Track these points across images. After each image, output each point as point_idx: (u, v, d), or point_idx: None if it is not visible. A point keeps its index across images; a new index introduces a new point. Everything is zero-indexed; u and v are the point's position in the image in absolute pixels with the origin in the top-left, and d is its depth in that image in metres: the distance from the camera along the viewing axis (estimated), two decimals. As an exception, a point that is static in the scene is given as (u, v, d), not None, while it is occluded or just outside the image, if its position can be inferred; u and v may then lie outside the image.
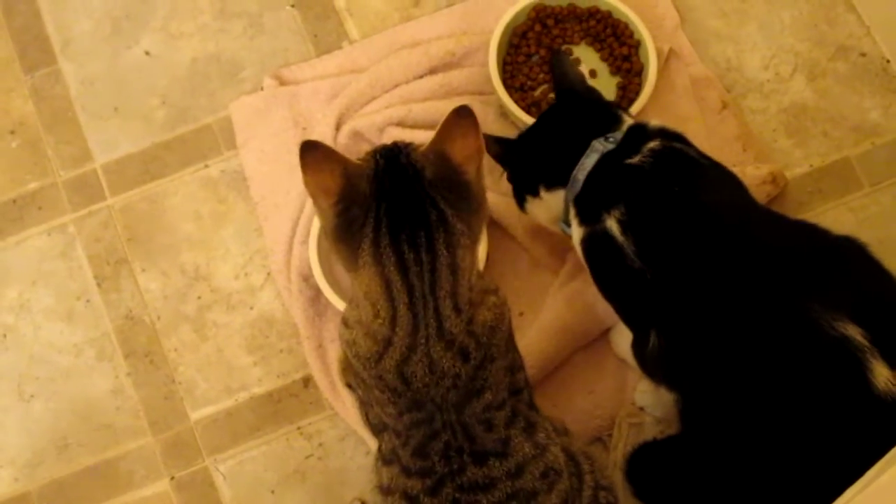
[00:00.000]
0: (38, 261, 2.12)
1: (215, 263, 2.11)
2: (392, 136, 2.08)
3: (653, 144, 1.69)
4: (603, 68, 2.16)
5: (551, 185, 1.79)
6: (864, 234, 1.63)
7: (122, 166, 2.18)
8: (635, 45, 2.13)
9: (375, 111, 2.13)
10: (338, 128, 2.11)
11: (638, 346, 1.74)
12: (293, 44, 2.25)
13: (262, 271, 2.09)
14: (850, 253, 1.62)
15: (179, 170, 2.17)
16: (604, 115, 1.78)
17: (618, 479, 1.83)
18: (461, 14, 2.23)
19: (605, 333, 2.01)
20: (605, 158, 1.71)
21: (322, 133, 2.11)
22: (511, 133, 2.10)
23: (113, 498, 1.99)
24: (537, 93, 2.13)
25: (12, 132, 2.21)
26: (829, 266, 1.59)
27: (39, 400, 2.04)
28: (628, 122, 1.76)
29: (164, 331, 2.07)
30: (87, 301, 2.09)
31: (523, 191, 1.85)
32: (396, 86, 2.16)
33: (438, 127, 1.49)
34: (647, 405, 1.94)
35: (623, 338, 1.94)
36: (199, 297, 2.08)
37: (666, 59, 2.15)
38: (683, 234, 1.63)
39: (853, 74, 2.18)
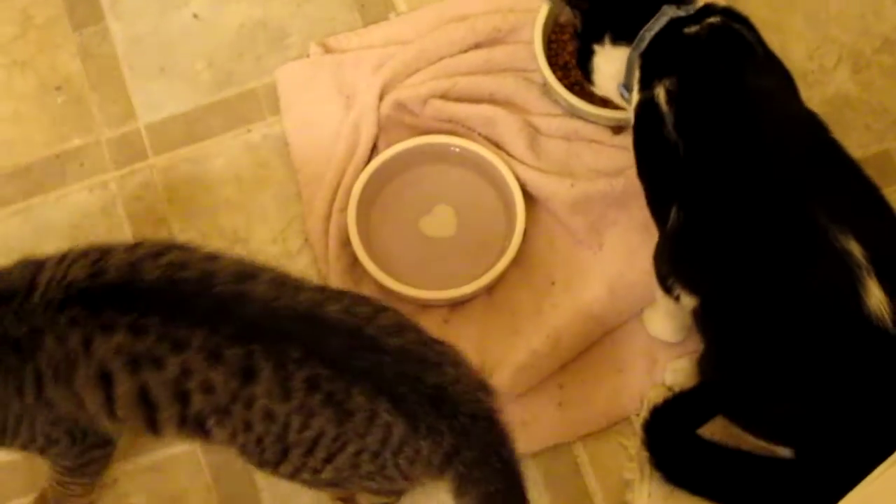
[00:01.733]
0: (79, 217, 2.14)
1: (254, 227, 2.12)
2: (435, 108, 2.10)
3: (713, 20, 1.74)
4: (648, 50, 2.16)
5: (618, 39, 1.82)
6: (900, 226, 1.65)
7: (166, 127, 2.20)
8: (682, 29, 2.14)
9: (420, 83, 2.14)
10: (381, 98, 2.12)
11: (659, 249, 1.79)
12: (340, 13, 2.26)
13: (300, 237, 2.11)
14: (864, 181, 1.68)
15: (222, 133, 2.19)
16: None
17: (643, 456, 1.86)
18: (509, -10, 2.24)
19: (639, 313, 2.02)
20: (672, 24, 1.75)
21: (365, 102, 2.12)
22: (553, 110, 2.12)
23: (142, 455, 1.99)
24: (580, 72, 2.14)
25: (58, 88, 2.23)
26: (844, 184, 1.66)
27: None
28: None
29: (200, 292, 2.08)
30: (126, 259, 2.11)
31: (591, 39, 1.87)
32: (441, 59, 2.17)
33: None
34: (677, 384, 1.95)
35: (657, 315, 1.96)
36: (236, 260, 2.10)
37: (711, 45, 2.16)
38: (720, 114, 1.69)
39: (898, 67, 2.19)
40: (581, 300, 2.00)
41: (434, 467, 1.54)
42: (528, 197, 2.05)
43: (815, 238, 1.57)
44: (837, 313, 1.57)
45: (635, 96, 1.79)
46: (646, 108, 1.75)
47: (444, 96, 2.12)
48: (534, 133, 2.09)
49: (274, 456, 1.56)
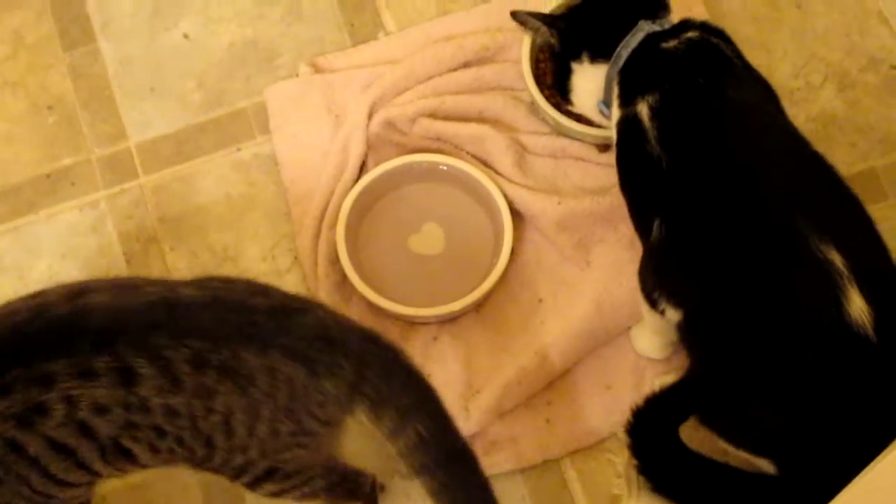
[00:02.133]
0: (69, 235, 2.15)
1: (243, 245, 2.13)
2: (423, 126, 2.11)
3: (691, 34, 1.77)
4: (634, 69, 2.18)
5: (596, 57, 1.85)
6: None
7: (156, 146, 2.21)
8: (668, 48, 2.15)
9: (408, 102, 2.15)
10: (370, 117, 2.14)
11: (644, 264, 1.80)
12: (330, 33, 2.28)
13: (289, 255, 2.12)
14: (845, 192, 1.68)
15: (212, 152, 2.20)
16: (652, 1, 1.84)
17: (631, 472, 1.87)
18: (497, 10, 2.25)
19: (626, 331, 2.03)
20: (649, 40, 1.78)
21: (354, 121, 2.13)
22: (541, 129, 2.13)
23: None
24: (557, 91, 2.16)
25: (50, 108, 2.24)
26: (825, 194, 1.67)
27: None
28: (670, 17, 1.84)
29: (190, 310, 2.09)
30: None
31: (569, 57, 1.90)
32: (430, 78, 2.18)
33: None
34: (664, 400, 1.96)
35: (643, 333, 1.97)
36: (225, 278, 2.11)
37: (698, 64, 2.17)
38: (702, 127, 1.71)
39: (883, 86, 2.20)
40: (569, 317, 2.01)
41: (344, 401, 1.52)
42: (516, 214, 2.07)
43: (797, 248, 1.59)
44: (819, 322, 1.59)
45: (616, 112, 1.81)
46: (628, 124, 1.76)
47: (433, 115, 2.13)
48: (521, 151, 2.10)
49: (204, 452, 1.53)
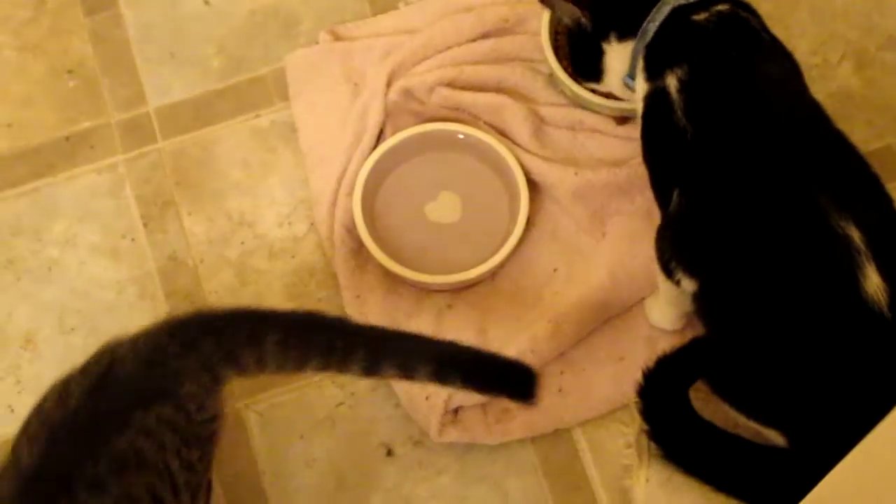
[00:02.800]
0: (87, 198, 2.16)
1: (260, 211, 2.14)
2: (442, 96, 2.11)
3: (721, 7, 1.76)
4: (653, 44, 2.18)
5: (623, 35, 1.85)
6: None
7: (175, 111, 2.22)
8: (687, 23, 2.16)
9: (427, 71, 2.15)
10: (389, 85, 2.14)
11: (662, 232, 1.81)
12: (350, 2, 2.29)
13: (306, 221, 2.13)
14: (865, 170, 1.70)
15: (231, 118, 2.21)
16: None
17: (642, 442, 1.88)
18: (517, -19, 2.26)
19: (640, 302, 2.03)
20: (676, 13, 1.78)
21: (373, 90, 2.14)
22: (559, 100, 2.14)
23: (146, 432, 2.03)
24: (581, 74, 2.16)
25: (70, 72, 2.25)
26: (846, 171, 1.68)
27: (80, 333, 2.08)
28: None
29: (205, 274, 2.11)
30: (133, 240, 2.13)
31: (599, 37, 1.90)
32: (449, 48, 2.18)
33: None
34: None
35: (658, 303, 1.98)
36: (242, 243, 2.12)
37: (716, 39, 2.18)
38: (730, 100, 1.71)
39: (901, 65, 2.21)
40: (583, 288, 2.01)
41: (209, 384, 1.57)
42: (533, 185, 2.07)
43: (817, 222, 1.60)
44: (836, 296, 1.60)
45: (642, 86, 1.81)
46: (656, 97, 1.77)
47: (451, 84, 2.13)
48: (539, 122, 2.11)
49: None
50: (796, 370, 1.65)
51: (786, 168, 1.65)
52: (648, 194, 1.85)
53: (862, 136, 2.15)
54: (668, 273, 1.79)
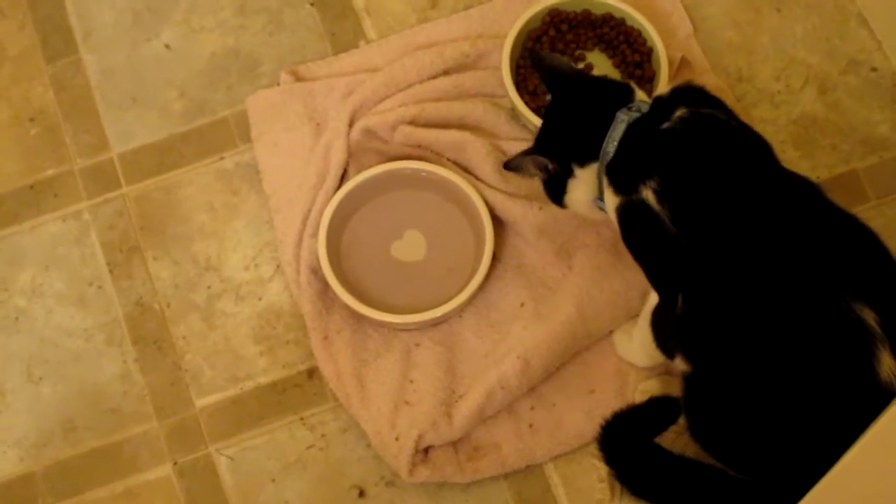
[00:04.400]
0: (52, 246, 2.15)
1: (226, 254, 2.14)
2: (404, 133, 2.11)
3: (681, 112, 1.72)
4: (615, 75, 2.18)
5: (584, 161, 1.81)
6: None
7: (139, 156, 2.21)
8: (647, 53, 2.16)
9: (388, 109, 2.15)
10: (351, 124, 2.14)
11: (659, 315, 1.78)
12: (311, 41, 2.28)
13: (272, 263, 2.12)
14: (869, 239, 1.65)
15: (195, 161, 2.20)
16: (614, 88, 1.83)
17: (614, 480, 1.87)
18: (477, 17, 2.26)
19: (609, 334, 2.03)
20: (634, 127, 1.75)
21: (335, 129, 2.13)
22: (521, 135, 2.14)
23: (116, 481, 2.01)
24: (548, 97, 2.16)
25: (32, 119, 2.24)
26: (849, 246, 1.63)
27: (48, 382, 2.07)
28: (639, 92, 1.82)
29: (173, 318, 2.10)
30: (99, 287, 2.12)
31: (565, 176, 1.86)
32: (410, 85, 2.18)
33: None
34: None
35: (630, 343, 1.97)
36: (208, 287, 2.11)
37: (678, 68, 2.17)
38: (718, 202, 1.66)
39: (863, 88, 2.20)
40: (551, 322, 2.00)
41: None
42: (497, 220, 2.07)
43: (830, 310, 1.55)
44: (850, 382, 1.56)
45: (612, 199, 1.77)
46: (634, 209, 1.72)
47: (413, 122, 2.13)
48: (502, 157, 2.10)
49: None
50: (800, 445, 1.61)
51: (789, 258, 1.60)
52: (614, 226, 1.82)
53: (827, 160, 2.15)
54: (670, 356, 1.77)
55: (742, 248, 1.63)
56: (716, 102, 1.80)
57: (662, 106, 1.76)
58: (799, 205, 1.67)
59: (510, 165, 1.90)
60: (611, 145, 1.76)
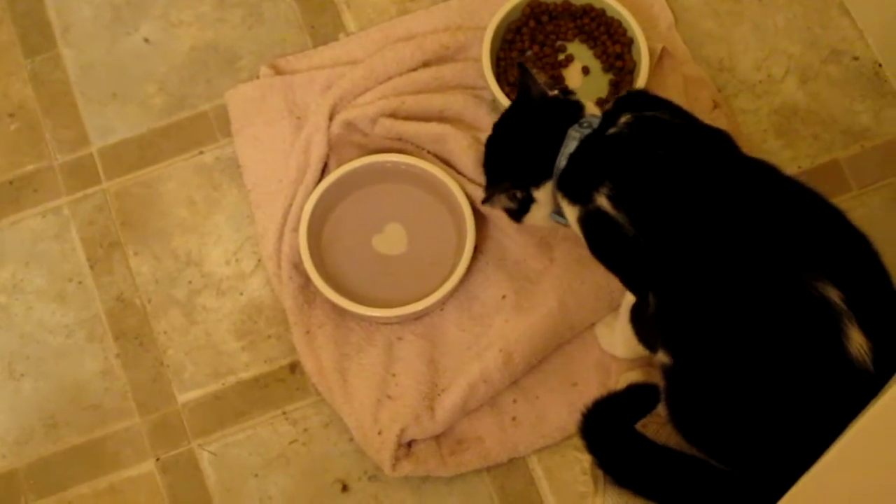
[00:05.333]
0: (32, 242, 2.15)
1: (207, 249, 2.13)
2: (384, 126, 2.10)
3: (625, 118, 1.73)
4: (596, 66, 2.18)
5: (539, 182, 1.82)
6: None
7: (119, 151, 2.20)
8: (628, 44, 2.15)
9: (368, 102, 2.14)
10: (331, 118, 2.13)
11: (637, 312, 1.79)
12: (290, 34, 2.27)
13: (253, 258, 2.11)
14: (830, 213, 1.65)
15: (174, 156, 2.20)
16: (563, 107, 1.83)
17: (598, 472, 1.87)
18: (457, 8, 2.25)
19: (591, 326, 2.03)
20: (587, 141, 1.75)
21: (315, 123, 2.12)
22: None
23: (99, 477, 2.01)
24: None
25: (11, 115, 2.23)
26: (809, 224, 1.63)
27: (29, 379, 2.06)
28: (591, 106, 1.82)
29: (154, 314, 2.09)
30: (80, 283, 2.11)
31: (528, 203, 1.86)
32: (390, 78, 2.17)
33: None
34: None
35: (609, 330, 1.97)
36: (189, 282, 2.11)
37: (659, 58, 2.17)
38: (671, 197, 1.67)
39: (845, 78, 2.20)
40: (533, 315, 2.00)
41: None
42: (478, 213, 2.06)
43: (795, 290, 1.56)
44: (822, 361, 1.56)
45: (571, 210, 1.77)
46: (593, 217, 1.73)
47: (394, 115, 2.12)
48: (482, 149, 2.09)
49: None
50: (782, 431, 1.62)
51: (749, 244, 1.61)
52: (580, 238, 1.82)
53: (808, 150, 2.15)
54: (652, 349, 1.77)
55: (701, 240, 1.64)
56: (661, 104, 1.80)
57: (610, 117, 1.77)
58: (754, 190, 1.67)
59: (487, 202, 1.89)
60: (562, 161, 1.77)
